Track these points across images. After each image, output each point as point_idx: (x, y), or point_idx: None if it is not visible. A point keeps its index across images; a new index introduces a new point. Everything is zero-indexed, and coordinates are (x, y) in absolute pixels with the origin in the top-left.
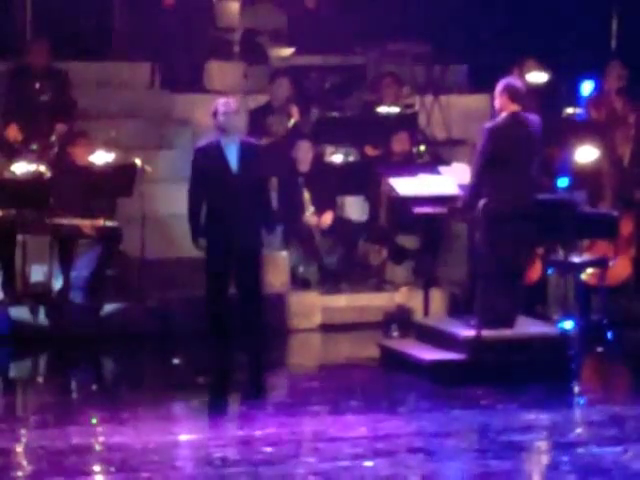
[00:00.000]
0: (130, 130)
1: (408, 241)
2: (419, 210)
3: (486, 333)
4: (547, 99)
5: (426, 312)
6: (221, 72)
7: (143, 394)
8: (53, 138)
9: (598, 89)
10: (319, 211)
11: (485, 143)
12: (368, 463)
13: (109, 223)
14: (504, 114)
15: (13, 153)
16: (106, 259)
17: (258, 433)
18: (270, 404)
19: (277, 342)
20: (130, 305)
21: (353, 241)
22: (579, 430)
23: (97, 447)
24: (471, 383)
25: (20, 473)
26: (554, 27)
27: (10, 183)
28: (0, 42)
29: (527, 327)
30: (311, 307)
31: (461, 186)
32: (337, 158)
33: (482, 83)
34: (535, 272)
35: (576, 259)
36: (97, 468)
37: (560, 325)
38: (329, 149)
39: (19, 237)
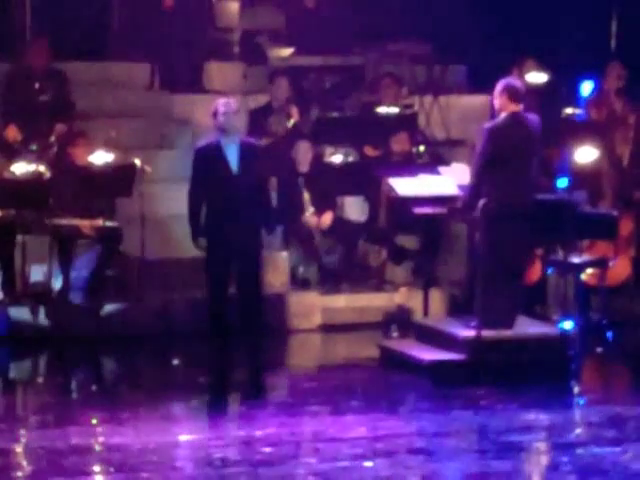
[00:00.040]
0: (130, 130)
1: (408, 241)
2: (419, 210)
3: (486, 333)
4: (547, 99)
5: (426, 312)
6: (220, 72)
7: (143, 394)
8: (52, 138)
9: (598, 89)
10: (319, 211)
11: (485, 143)
12: (368, 463)
13: (109, 223)
14: (504, 114)
15: (13, 153)
16: (106, 259)
17: (258, 433)
18: (270, 404)
19: (277, 342)
20: (130, 305)
21: (353, 241)
22: (579, 430)
23: (97, 447)
24: (471, 383)
25: (20, 473)
26: (554, 27)
27: (10, 183)
28: None
29: (527, 327)
30: (311, 307)
31: (461, 186)
32: (337, 158)
33: (481, 83)
34: (535, 272)
35: (576, 259)
36: (97, 468)
37: (560, 325)
38: (329, 149)
39: (19, 237)
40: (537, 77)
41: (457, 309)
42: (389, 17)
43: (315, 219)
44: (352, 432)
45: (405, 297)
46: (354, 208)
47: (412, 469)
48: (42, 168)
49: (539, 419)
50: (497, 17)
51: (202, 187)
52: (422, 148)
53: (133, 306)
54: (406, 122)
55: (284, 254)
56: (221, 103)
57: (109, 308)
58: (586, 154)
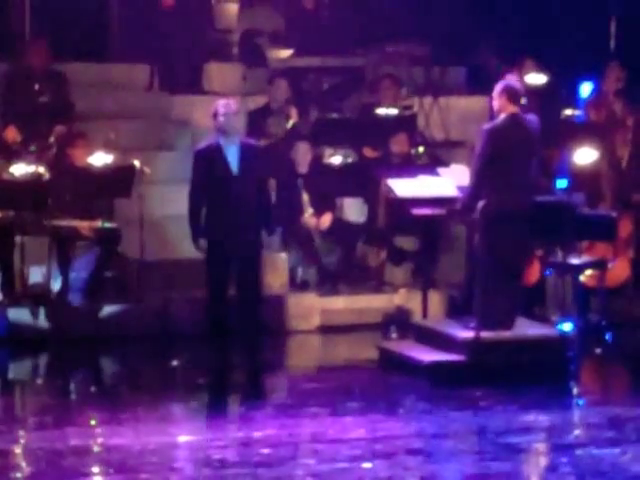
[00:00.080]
0: (129, 131)
1: (407, 243)
2: (418, 212)
3: (485, 334)
4: (546, 100)
5: (425, 314)
6: (220, 73)
7: (142, 395)
8: (52, 139)
9: (597, 91)
10: (318, 212)
11: (484, 144)
12: (367, 465)
13: (108, 224)
14: (503, 115)
15: (12, 154)
16: (105, 260)
17: (257, 434)
18: (269, 405)
19: (276, 343)
20: (129, 306)
21: (352, 243)
22: (578, 432)
23: (96, 448)
24: (470, 384)
25: (19, 474)
26: (553, 28)
27: (9, 184)
28: None
29: (526, 328)
30: (310, 308)
31: (460, 187)
32: (336, 159)
33: (481, 85)
34: (534, 273)
35: (575, 261)
36: (96, 469)
37: (559, 327)
38: (328, 150)
39: (18, 238)
40: (536, 78)
41: (456, 310)
42: (388, 18)
43: (314, 220)
44: (351, 433)
45: (404, 298)
46: (353, 209)
47: (411, 470)
48: (41, 169)
49: (538, 420)
50: (496, 18)
51: (202, 188)
52: (421, 149)
53: (132, 307)
54: (405, 123)
55: (283, 255)
56: (221, 104)
57: (108, 309)
58: (585, 155)
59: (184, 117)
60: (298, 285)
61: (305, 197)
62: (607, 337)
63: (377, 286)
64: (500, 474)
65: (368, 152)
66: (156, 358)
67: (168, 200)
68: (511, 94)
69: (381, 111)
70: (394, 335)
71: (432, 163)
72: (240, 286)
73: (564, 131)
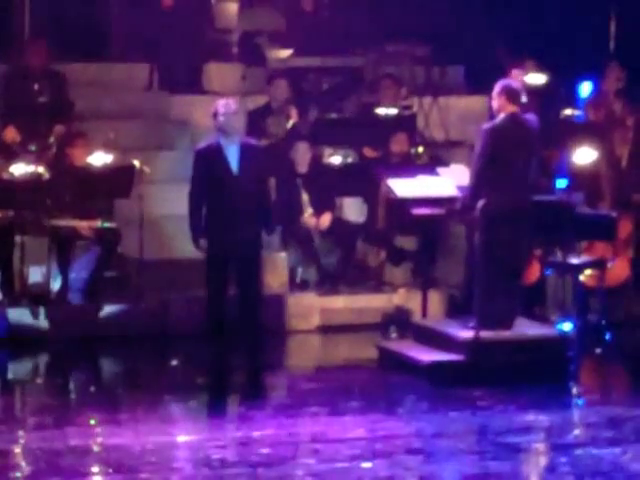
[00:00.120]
0: (128, 131)
1: (406, 242)
2: (417, 211)
3: (484, 334)
4: (546, 100)
5: (424, 313)
6: (219, 73)
7: (141, 395)
8: (51, 139)
9: (597, 90)
10: (317, 212)
11: (484, 144)
12: (366, 464)
13: (107, 224)
14: (502, 115)
15: (11, 154)
16: (104, 260)
17: (256, 434)
18: (268, 405)
19: (275, 343)
20: (129, 306)
21: (351, 242)
22: (577, 431)
23: (95, 448)
24: (469, 384)
25: (18, 474)
26: (553, 28)
27: (8, 184)
28: None
29: (525, 328)
30: (309, 308)
31: (459, 187)
32: (335, 159)
33: (480, 84)
34: (533, 273)
35: (574, 260)
36: (95, 469)
37: (558, 326)
38: (327, 150)
39: (17, 238)
40: (536, 78)
41: (456, 310)
42: (388, 18)
43: (314, 220)
44: (351, 433)
45: (404, 298)
46: (353, 209)
47: (411, 470)
48: (41, 169)
49: (538, 420)
50: (496, 18)
51: (202, 188)
52: (421, 149)
53: (132, 307)
54: (405, 123)
55: (283, 255)
56: (221, 104)
57: (108, 309)
58: (585, 155)
59: (184, 117)
60: (298, 285)
61: (305, 197)
62: (607, 337)
63: (377, 286)
64: (500, 474)
65: (368, 152)
66: (156, 358)
67: (168, 200)
68: (510, 94)
69: (381, 111)
70: (394, 335)
71: (432, 163)
72: (240, 286)
73: (564, 131)
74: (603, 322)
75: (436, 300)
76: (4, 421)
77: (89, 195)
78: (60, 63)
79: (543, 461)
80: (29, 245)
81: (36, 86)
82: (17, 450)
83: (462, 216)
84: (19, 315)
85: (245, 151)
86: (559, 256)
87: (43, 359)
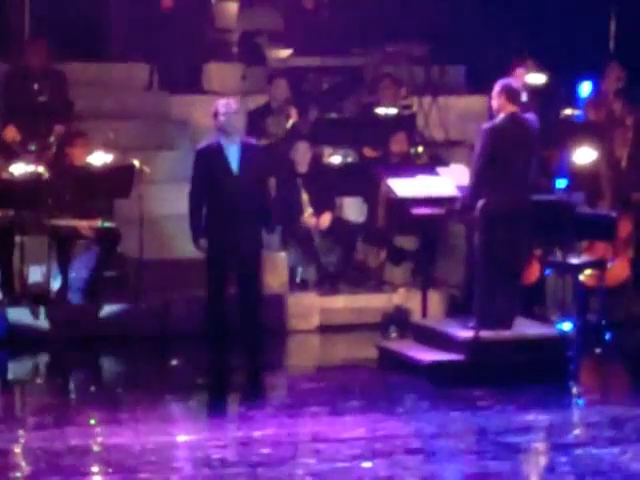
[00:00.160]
0: (128, 131)
1: (406, 242)
2: (417, 211)
3: (484, 334)
4: (546, 100)
5: (424, 313)
6: (219, 73)
7: (141, 395)
8: (51, 139)
9: (596, 90)
10: (317, 212)
11: (483, 144)
12: (366, 464)
13: (107, 224)
14: (502, 115)
15: (11, 154)
16: (104, 260)
17: (257, 434)
18: (269, 405)
19: (275, 343)
20: (128, 306)
21: (351, 242)
22: (577, 431)
23: (95, 448)
24: (469, 384)
25: (18, 474)
26: (553, 28)
27: (8, 184)
28: None
29: (525, 328)
30: (309, 308)
31: (459, 187)
32: (335, 159)
33: (480, 84)
34: (533, 273)
35: (574, 260)
36: (95, 469)
37: (558, 326)
38: (327, 150)
39: (17, 238)
40: (536, 78)
41: (456, 310)
42: (388, 18)
43: (314, 220)
44: (351, 433)
45: (403, 298)
46: (353, 209)
47: (410, 470)
48: (41, 169)
49: (538, 420)
50: (496, 18)
51: (203, 188)
52: (420, 149)
53: (132, 307)
54: (405, 123)
55: (283, 255)
56: (221, 104)
57: (108, 309)
58: (585, 155)
59: (184, 117)
60: (298, 284)
61: (305, 197)
62: (607, 337)
63: (377, 286)
64: (500, 474)
65: (368, 152)
66: (156, 357)
67: (168, 200)
68: (510, 93)
69: (380, 111)
70: (394, 335)
71: (431, 163)
72: (240, 286)
73: (564, 131)
74: (603, 322)
75: (436, 300)
76: (4, 421)
77: (89, 195)
78: (60, 63)
79: (543, 461)
80: (29, 245)
81: (36, 86)
82: (17, 450)
83: (462, 216)
84: (19, 315)
85: (245, 151)
86: (559, 256)
87: (43, 359)
